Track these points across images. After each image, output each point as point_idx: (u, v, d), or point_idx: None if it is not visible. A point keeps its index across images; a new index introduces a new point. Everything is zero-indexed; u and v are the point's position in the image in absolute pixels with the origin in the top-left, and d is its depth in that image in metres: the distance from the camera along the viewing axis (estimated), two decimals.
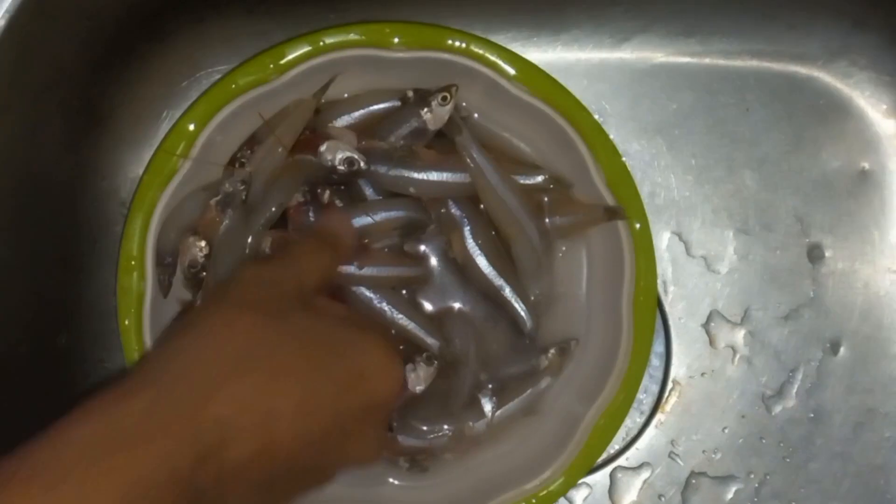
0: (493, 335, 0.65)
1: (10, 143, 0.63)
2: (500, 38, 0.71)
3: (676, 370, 0.72)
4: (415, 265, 0.65)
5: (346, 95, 0.66)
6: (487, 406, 0.65)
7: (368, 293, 0.63)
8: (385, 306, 0.63)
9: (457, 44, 0.64)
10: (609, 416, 0.64)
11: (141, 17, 0.66)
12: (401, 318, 0.63)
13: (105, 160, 0.71)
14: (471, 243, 0.64)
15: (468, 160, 0.63)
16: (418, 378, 0.62)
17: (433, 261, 0.66)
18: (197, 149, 0.63)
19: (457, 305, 0.66)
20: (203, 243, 0.63)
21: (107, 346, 0.71)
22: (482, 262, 0.64)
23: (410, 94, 0.64)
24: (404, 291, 0.65)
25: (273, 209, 0.61)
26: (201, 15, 0.68)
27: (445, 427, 0.65)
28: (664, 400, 0.72)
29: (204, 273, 0.64)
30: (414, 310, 0.64)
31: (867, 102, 0.73)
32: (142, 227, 0.63)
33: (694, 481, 0.71)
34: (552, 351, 0.65)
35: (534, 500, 0.64)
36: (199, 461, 0.42)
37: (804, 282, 0.73)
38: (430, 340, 0.64)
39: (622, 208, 0.64)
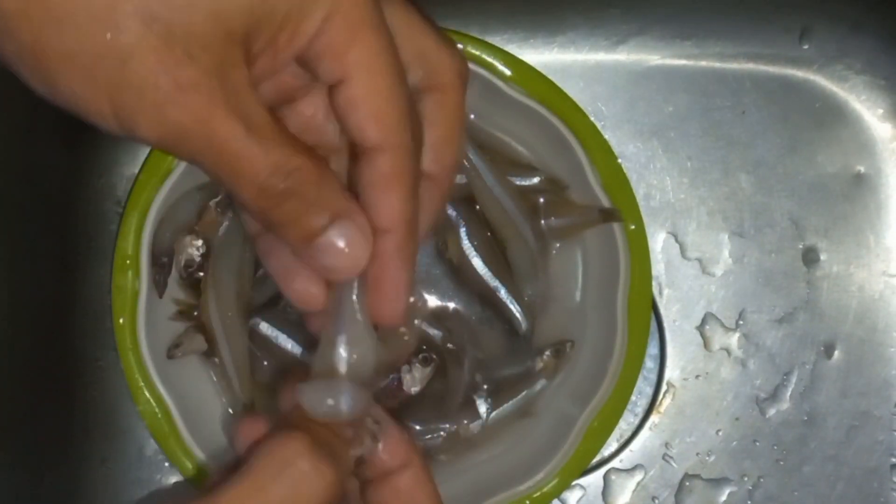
0: (488, 337, 0.66)
1: (6, 141, 0.63)
2: (496, 40, 0.71)
3: (671, 372, 0.72)
4: None
5: None
6: (482, 407, 0.65)
7: None
8: None
9: None
10: (603, 418, 0.64)
11: None
12: None
13: (101, 158, 0.71)
14: (466, 245, 0.64)
15: (464, 161, 0.63)
16: (413, 379, 0.62)
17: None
18: None
19: (452, 306, 0.66)
20: (200, 242, 0.63)
21: (101, 344, 0.70)
22: (478, 263, 0.64)
23: None
24: None
25: None
26: None
27: (440, 428, 0.65)
28: (658, 402, 0.72)
29: (201, 273, 0.64)
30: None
31: (863, 106, 0.73)
32: (137, 225, 0.63)
33: (688, 483, 0.71)
34: (547, 353, 0.65)
35: (527, 502, 0.64)
36: None
37: (799, 285, 0.73)
38: (433, 331, 0.64)
39: (618, 210, 0.64)
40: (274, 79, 0.40)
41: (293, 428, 0.40)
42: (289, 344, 0.63)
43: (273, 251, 0.43)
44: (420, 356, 0.62)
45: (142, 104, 0.35)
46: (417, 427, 0.64)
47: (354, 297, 0.42)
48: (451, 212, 0.64)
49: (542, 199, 0.66)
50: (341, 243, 0.40)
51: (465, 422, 0.64)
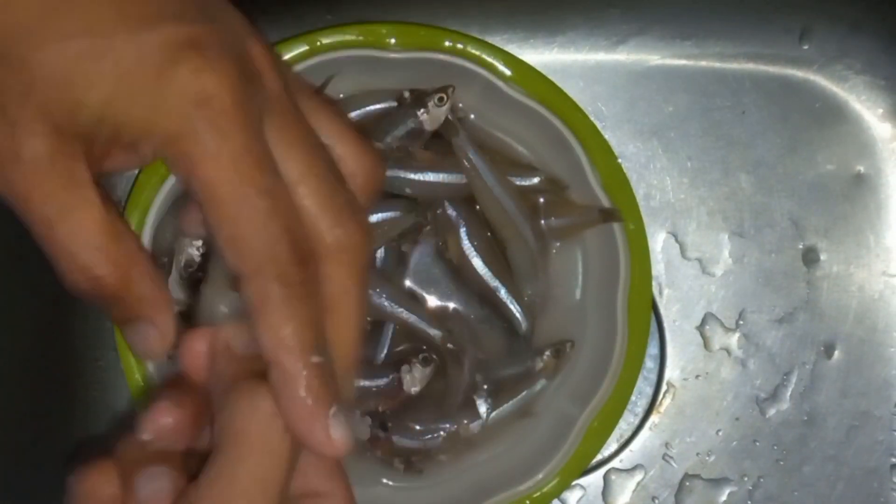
0: (488, 337, 0.66)
1: None
2: (496, 40, 0.71)
3: (671, 372, 0.72)
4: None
5: (342, 96, 0.66)
6: (482, 407, 0.65)
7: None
8: (385, 301, 0.63)
9: (453, 45, 0.64)
10: (603, 418, 0.64)
11: None
12: (401, 312, 0.63)
13: None
14: (467, 245, 0.64)
15: (464, 161, 0.63)
16: (414, 379, 0.62)
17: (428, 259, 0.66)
18: None
19: (452, 306, 0.66)
20: (200, 243, 0.63)
21: (101, 344, 0.70)
22: (478, 263, 0.64)
23: (407, 94, 0.64)
24: (407, 283, 0.65)
25: None
26: None
27: (440, 428, 0.65)
28: (658, 402, 0.72)
29: (201, 274, 0.64)
30: (414, 302, 0.64)
31: (863, 106, 0.73)
32: (137, 226, 0.63)
33: (688, 483, 0.71)
34: (547, 353, 0.65)
35: (527, 502, 0.64)
36: None
37: (799, 285, 0.73)
38: (433, 332, 0.64)
39: (618, 210, 0.64)
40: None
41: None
42: None
43: None
44: (420, 356, 0.62)
45: None
46: (417, 427, 0.65)
47: None
48: (452, 212, 0.64)
49: (542, 200, 0.66)
50: (141, 340, 0.40)
51: (465, 422, 0.64)
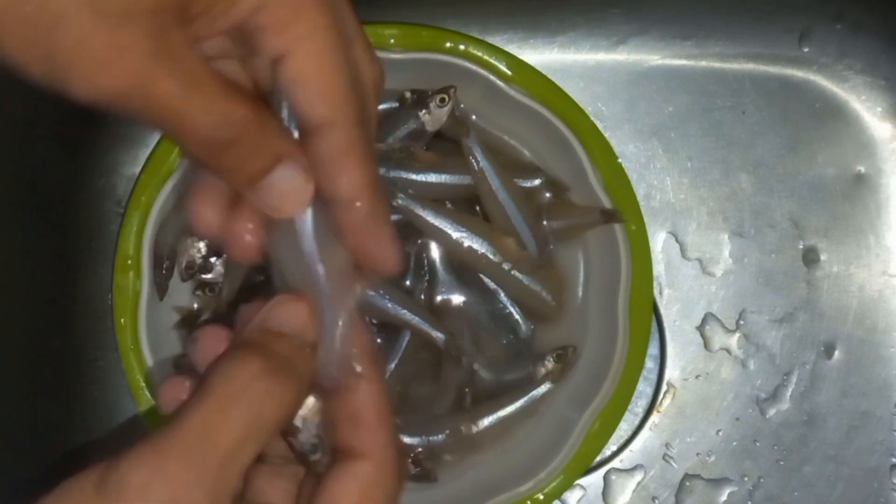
0: (489, 338, 0.66)
1: (7, 141, 0.63)
2: (496, 40, 0.71)
3: (671, 372, 0.72)
4: None
5: None
6: (486, 410, 0.65)
7: (370, 290, 0.63)
8: (388, 303, 0.63)
9: (454, 45, 0.64)
10: (604, 420, 0.64)
11: None
12: (404, 314, 0.63)
13: (101, 158, 0.71)
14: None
15: (472, 162, 0.63)
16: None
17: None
18: None
19: (453, 307, 0.66)
20: (201, 244, 0.63)
21: (101, 344, 0.70)
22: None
23: (408, 95, 0.64)
24: (407, 282, 0.65)
25: None
26: None
27: (444, 426, 0.65)
28: (658, 402, 0.72)
29: (202, 275, 0.64)
30: (417, 305, 0.64)
31: (863, 106, 0.73)
32: (138, 226, 0.63)
33: (688, 483, 0.71)
34: (549, 358, 0.65)
35: (528, 502, 0.64)
36: None
37: (799, 285, 0.73)
38: (436, 334, 0.64)
39: (619, 211, 0.64)
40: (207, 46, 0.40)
41: (249, 347, 0.40)
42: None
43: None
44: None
45: (74, 69, 0.35)
46: (419, 426, 0.65)
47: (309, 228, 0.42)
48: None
49: (543, 201, 0.66)
50: (285, 184, 0.41)
51: (470, 424, 0.64)
